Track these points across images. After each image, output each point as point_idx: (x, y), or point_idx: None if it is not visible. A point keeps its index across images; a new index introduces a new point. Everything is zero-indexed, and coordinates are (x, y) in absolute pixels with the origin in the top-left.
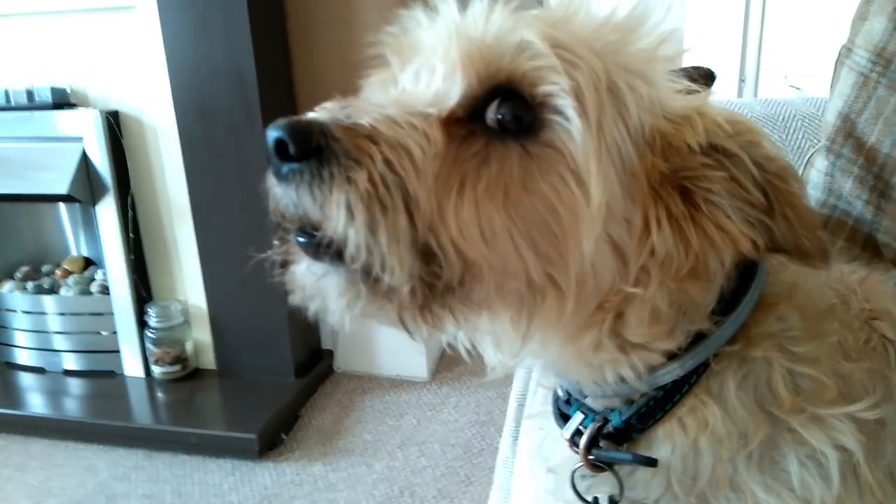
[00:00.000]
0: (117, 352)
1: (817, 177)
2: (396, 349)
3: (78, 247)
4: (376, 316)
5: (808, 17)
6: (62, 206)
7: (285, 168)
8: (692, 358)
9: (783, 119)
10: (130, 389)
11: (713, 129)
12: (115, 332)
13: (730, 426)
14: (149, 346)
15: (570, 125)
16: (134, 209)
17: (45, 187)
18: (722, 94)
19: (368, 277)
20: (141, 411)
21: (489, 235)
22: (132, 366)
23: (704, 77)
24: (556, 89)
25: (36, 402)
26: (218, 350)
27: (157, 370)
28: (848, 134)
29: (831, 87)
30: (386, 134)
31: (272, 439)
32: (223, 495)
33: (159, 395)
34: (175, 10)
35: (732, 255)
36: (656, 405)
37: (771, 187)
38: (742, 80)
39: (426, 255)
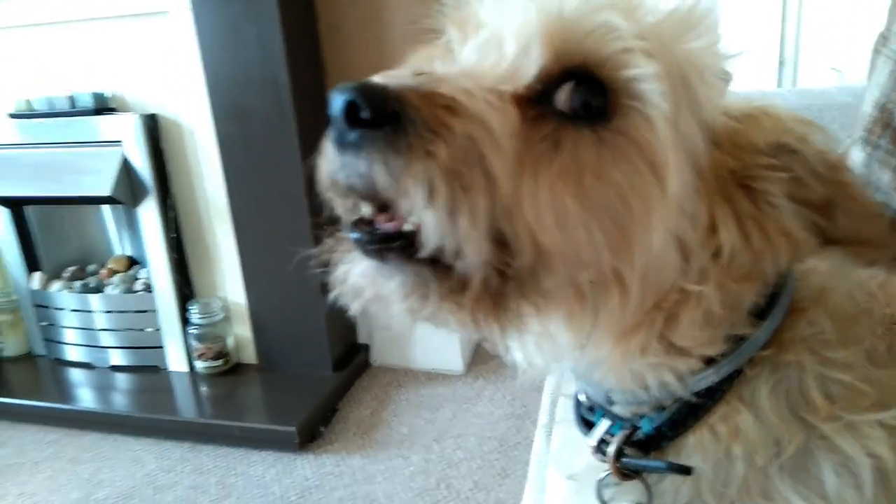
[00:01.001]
0: (161, 347)
1: (855, 168)
2: (431, 343)
3: (122, 247)
4: (444, 318)
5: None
6: (106, 207)
7: (353, 134)
8: (728, 364)
9: (818, 109)
10: (175, 384)
11: (780, 129)
12: (158, 329)
13: (763, 433)
14: (192, 341)
15: (652, 113)
16: (174, 210)
17: (88, 190)
18: (760, 80)
19: (437, 267)
20: (185, 405)
21: (563, 223)
22: (176, 361)
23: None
24: (642, 74)
25: (85, 397)
26: (258, 345)
27: (199, 365)
28: (886, 124)
29: (868, 76)
30: (467, 106)
31: (312, 432)
32: (265, 486)
33: (202, 389)
34: (208, 15)
35: (790, 257)
36: (689, 412)
37: (832, 183)
38: (781, 63)
39: (500, 242)
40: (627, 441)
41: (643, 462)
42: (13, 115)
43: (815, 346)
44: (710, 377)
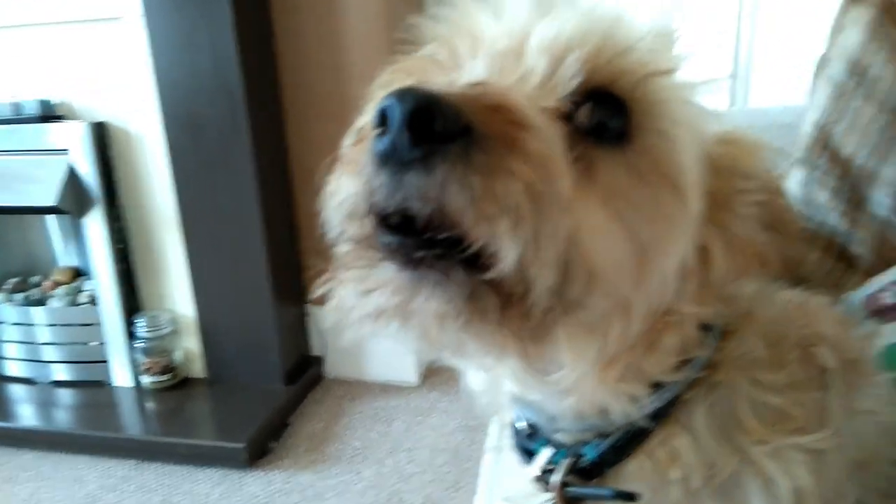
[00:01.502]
0: (106, 362)
1: (795, 187)
2: (386, 355)
3: (67, 258)
4: (475, 340)
5: (800, 14)
6: (50, 217)
7: (418, 150)
8: (670, 389)
9: (760, 129)
10: (120, 399)
11: (758, 154)
12: (103, 343)
13: (699, 456)
14: (138, 355)
15: (673, 133)
16: (122, 220)
17: (32, 199)
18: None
19: (497, 293)
20: (130, 422)
21: (610, 246)
22: (121, 376)
23: None
24: (662, 95)
25: (25, 414)
26: (207, 359)
27: (146, 380)
28: (824, 145)
29: (809, 97)
30: (534, 122)
31: (261, 448)
32: None
33: (148, 404)
34: (161, 22)
35: (761, 278)
36: (631, 438)
37: (776, 205)
38: (734, 77)
39: (562, 268)
40: (571, 469)
41: (590, 490)
42: None
43: (745, 365)
44: (654, 402)
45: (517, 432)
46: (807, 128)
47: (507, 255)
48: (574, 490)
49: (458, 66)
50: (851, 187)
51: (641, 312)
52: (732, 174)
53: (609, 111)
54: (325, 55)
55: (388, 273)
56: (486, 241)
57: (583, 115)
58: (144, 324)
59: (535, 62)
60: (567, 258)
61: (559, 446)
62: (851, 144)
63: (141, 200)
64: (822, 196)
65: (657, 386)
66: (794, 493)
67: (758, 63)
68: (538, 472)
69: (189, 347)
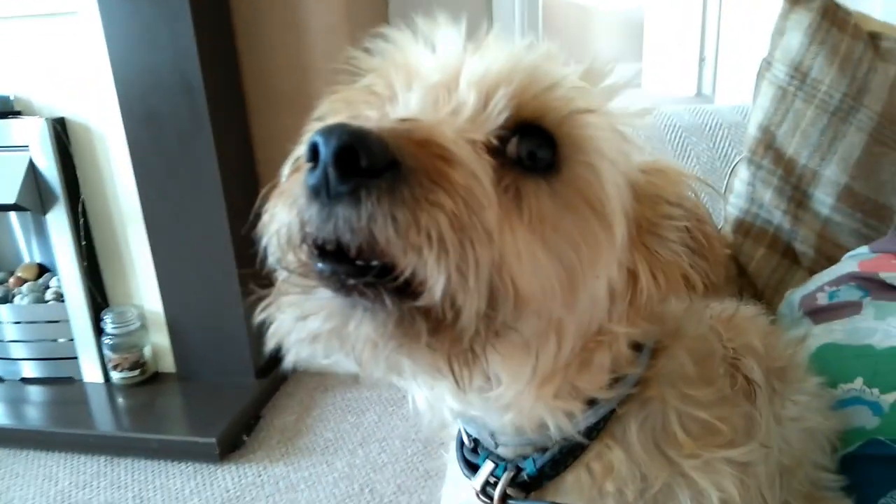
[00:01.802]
0: (75, 358)
1: (740, 186)
2: None
3: (31, 254)
4: (409, 362)
5: None
6: (13, 213)
7: (347, 184)
8: (606, 404)
9: (710, 128)
10: (90, 396)
11: (681, 182)
12: (72, 340)
13: (633, 468)
14: (106, 352)
15: (599, 166)
16: (85, 216)
17: None
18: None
19: (427, 318)
20: (101, 418)
21: (537, 273)
22: (91, 372)
23: None
24: (589, 131)
25: None
26: (177, 354)
27: (115, 375)
28: (768, 146)
29: (753, 98)
30: (459, 155)
31: (233, 441)
32: (185, 500)
33: (119, 400)
34: (118, 17)
35: (685, 298)
36: (568, 452)
37: (700, 231)
38: (702, 60)
39: (490, 293)
40: (511, 482)
41: (529, 503)
42: None
43: (675, 381)
44: (590, 418)
45: (461, 446)
46: (751, 129)
47: (435, 284)
48: (514, 502)
49: (394, 97)
50: (794, 186)
51: (573, 332)
52: (657, 201)
53: (537, 143)
54: (286, 48)
55: (323, 299)
56: (413, 270)
57: (512, 146)
58: (111, 320)
59: (466, 97)
60: (493, 284)
61: (500, 460)
62: (793, 145)
63: (104, 196)
64: (767, 195)
65: (592, 402)
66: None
67: (726, 47)
68: (480, 485)
69: (158, 343)
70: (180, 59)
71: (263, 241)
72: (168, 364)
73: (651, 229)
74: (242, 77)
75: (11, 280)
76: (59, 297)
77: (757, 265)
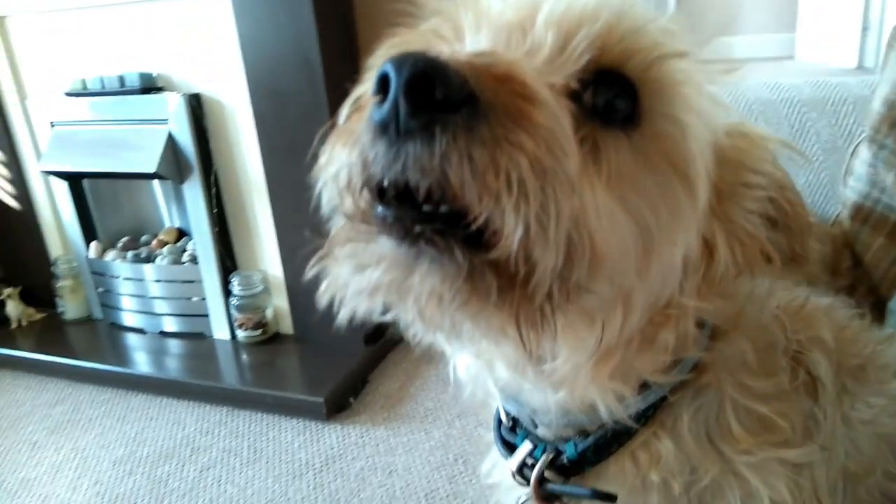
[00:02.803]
0: (207, 316)
1: (861, 167)
2: None
3: (171, 219)
4: (473, 323)
5: None
6: (156, 182)
7: (419, 118)
8: (656, 391)
9: (833, 103)
10: (218, 351)
11: (767, 149)
12: (204, 299)
13: (682, 459)
14: (233, 311)
15: (684, 119)
16: (217, 186)
17: (136, 166)
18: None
19: (498, 273)
20: (226, 372)
21: (615, 233)
22: (220, 329)
23: None
24: (671, 78)
25: (137, 360)
26: (294, 317)
27: (240, 334)
28: (893, 123)
29: (881, 71)
30: (543, 96)
31: (340, 402)
32: (293, 452)
33: (243, 356)
34: None
35: (764, 275)
36: (613, 438)
37: (787, 201)
38: (865, 29)
39: (567, 249)
40: (550, 465)
41: (567, 488)
42: (69, 94)
43: (733, 368)
44: (639, 403)
45: (499, 424)
46: (876, 104)
47: (512, 233)
48: (552, 487)
49: (462, 39)
50: None
51: (643, 303)
52: (740, 167)
53: (618, 93)
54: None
55: (385, 248)
56: (488, 218)
57: (591, 95)
58: (238, 283)
59: (544, 36)
60: (572, 240)
61: (539, 441)
62: None
63: (234, 168)
64: (890, 178)
65: (643, 387)
66: None
67: (893, 14)
68: (517, 466)
69: (279, 305)
70: (301, 37)
71: (318, 186)
72: (287, 326)
73: (732, 197)
74: (361, 55)
75: (154, 242)
76: (194, 260)
77: (874, 256)
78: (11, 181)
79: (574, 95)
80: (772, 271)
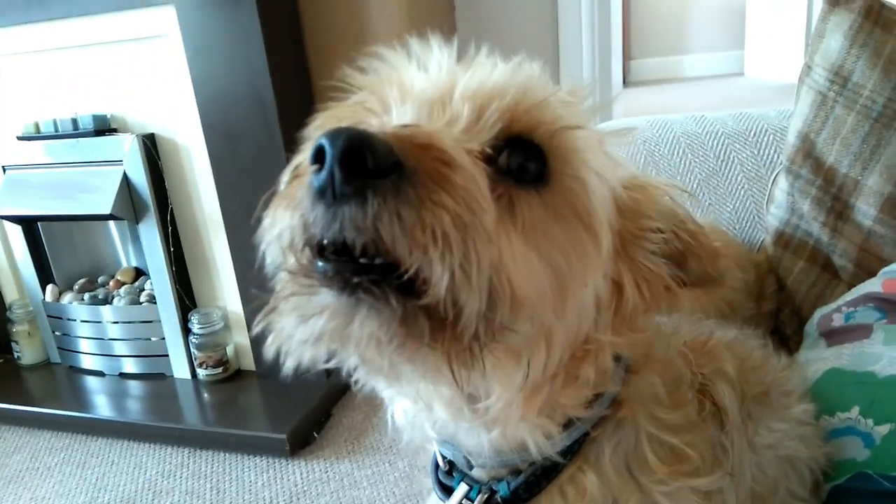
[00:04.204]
0: (167, 356)
1: (781, 196)
2: None
3: (128, 259)
4: (410, 364)
5: None
6: (111, 222)
7: (352, 184)
8: (580, 427)
9: (755, 134)
10: (179, 391)
11: (661, 196)
12: (164, 338)
13: (605, 491)
14: (193, 350)
15: (585, 177)
16: (174, 224)
17: (91, 208)
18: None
19: (429, 317)
20: (188, 412)
21: (531, 277)
22: (180, 369)
23: None
24: (577, 146)
25: (96, 404)
26: (256, 353)
27: (201, 373)
28: (807, 154)
29: (794, 104)
30: (458, 160)
31: (304, 438)
32: (257, 492)
33: (204, 395)
34: (198, 40)
35: (667, 308)
36: (542, 474)
37: (687, 233)
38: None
39: (489, 294)
40: None
41: None
42: (21, 138)
43: (646, 401)
44: (565, 440)
45: (436, 468)
46: (791, 136)
47: (439, 281)
48: None
49: (388, 111)
50: (834, 197)
51: (562, 339)
52: (638, 214)
53: (528, 157)
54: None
55: (326, 299)
56: (418, 268)
57: (504, 158)
58: (198, 320)
59: (461, 109)
60: (492, 285)
61: (474, 482)
62: (834, 153)
63: (190, 206)
64: (805, 205)
65: (567, 425)
66: None
67: None
68: None
69: (240, 342)
70: (254, 78)
71: (263, 247)
72: (249, 362)
73: (634, 241)
74: (314, 94)
75: (111, 283)
76: (152, 299)
77: (795, 279)
78: None
79: (490, 159)
80: (685, 296)
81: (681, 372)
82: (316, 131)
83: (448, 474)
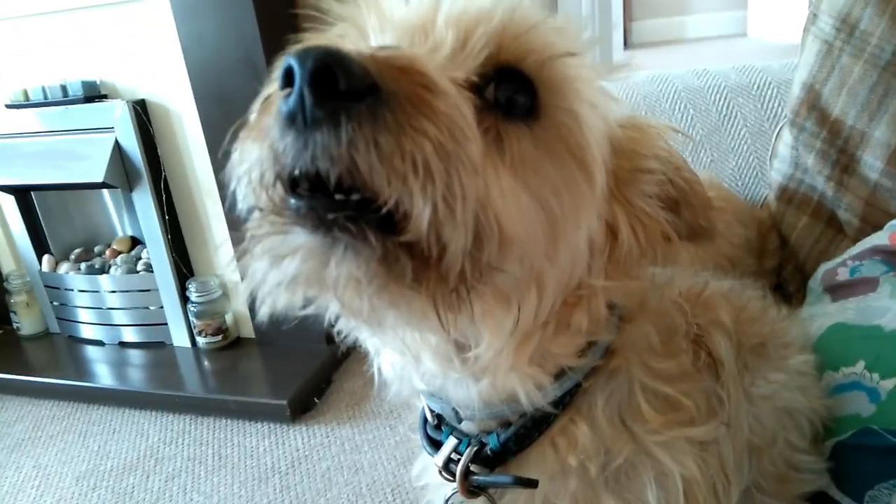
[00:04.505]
0: (166, 324)
1: (784, 150)
2: None
3: (123, 228)
4: (393, 308)
5: None
6: (105, 191)
7: (325, 107)
8: (572, 378)
9: (758, 87)
10: (179, 359)
11: (659, 137)
12: (161, 307)
13: (597, 442)
14: (192, 318)
15: (580, 112)
16: (168, 192)
17: (83, 176)
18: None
19: (411, 255)
20: (188, 380)
21: (520, 214)
22: (179, 337)
23: None
24: (566, 75)
25: (97, 373)
26: (255, 320)
27: (201, 340)
28: (812, 106)
29: (799, 55)
30: (443, 85)
31: (305, 404)
32: (258, 456)
33: (204, 363)
34: (187, 2)
35: (664, 256)
36: (533, 426)
37: (683, 180)
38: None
39: (475, 230)
40: (475, 458)
41: (491, 478)
42: (10, 106)
43: (640, 351)
44: (556, 391)
45: (425, 423)
46: (795, 88)
47: (420, 214)
48: (476, 478)
49: (367, 41)
50: (840, 150)
51: (554, 284)
52: (635, 155)
53: (518, 88)
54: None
55: (300, 238)
56: (397, 201)
57: (492, 91)
58: (195, 289)
59: (444, 35)
60: (479, 221)
61: (463, 436)
62: (840, 105)
63: (184, 173)
64: (810, 159)
65: (559, 375)
66: (683, 482)
67: None
68: (443, 462)
69: (239, 310)
70: (244, 40)
71: (232, 185)
72: (248, 330)
73: (630, 182)
74: None
75: (108, 252)
76: (149, 268)
77: (799, 235)
78: None
79: (476, 89)
80: (683, 249)
81: (675, 322)
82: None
83: (437, 428)
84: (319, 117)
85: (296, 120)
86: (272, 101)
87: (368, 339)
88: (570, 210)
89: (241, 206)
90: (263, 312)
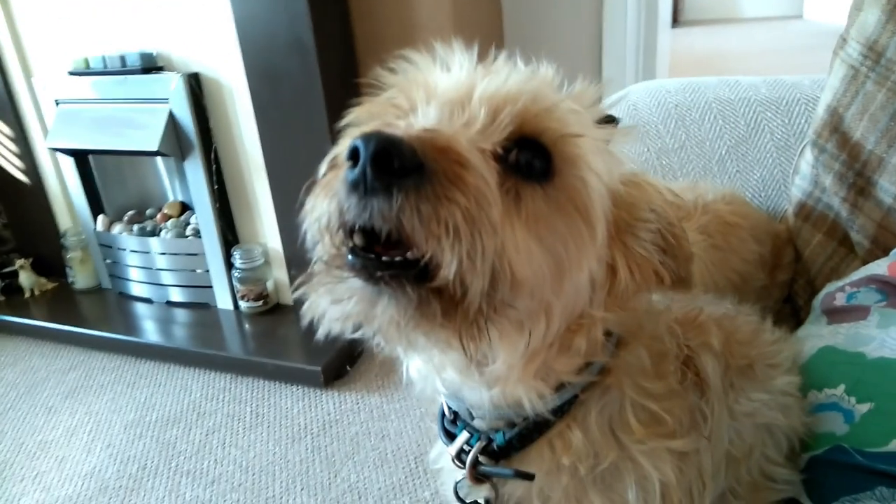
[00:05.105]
0: (211, 287)
1: (806, 167)
2: None
3: (175, 193)
4: (433, 337)
5: None
6: (158, 158)
7: (381, 181)
8: (570, 390)
9: (787, 103)
10: (222, 320)
11: (654, 193)
12: (208, 271)
13: (588, 446)
14: (236, 283)
15: (586, 177)
16: (217, 163)
17: (138, 144)
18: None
19: (440, 298)
20: (230, 341)
21: (531, 262)
22: (223, 300)
23: (607, 121)
24: (575, 148)
25: (145, 329)
26: (295, 289)
27: (243, 305)
28: (834, 128)
29: (827, 77)
30: (472, 161)
31: (337, 371)
32: (293, 418)
33: (245, 326)
34: None
35: (655, 290)
36: (534, 429)
37: (672, 235)
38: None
39: (492, 276)
40: (483, 451)
41: (496, 470)
42: (72, 73)
43: (632, 372)
44: (556, 400)
45: (443, 417)
46: (820, 109)
47: (449, 265)
48: (483, 468)
49: (414, 109)
50: (858, 173)
51: (560, 314)
52: (633, 208)
53: (535, 155)
54: (395, 6)
55: (355, 286)
56: (431, 255)
57: (514, 155)
58: (240, 256)
59: (478, 111)
60: (495, 268)
61: (475, 431)
62: (861, 129)
63: (233, 145)
64: (828, 180)
65: (559, 388)
66: (661, 486)
67: None
68: (455, 451)
69: (279, 278)
70: (294, 20)
71: (304, 226)
72: (287, 297)
73: (628, 230)
74: (355, 40)
75: (159, 216)
76: (197, 233)
77: (812, 251)
78: (20, 156)
79: (501, 157)
80: (665, 290)
81: (666, 347)
82: (352, 126)
83: (453, 422)
84: (377, 188)
85: (358, 187)
86: (338, 163)
87: (399, 353)
88: (575, 256)
89: (310, 243)
90: (321, 333)
